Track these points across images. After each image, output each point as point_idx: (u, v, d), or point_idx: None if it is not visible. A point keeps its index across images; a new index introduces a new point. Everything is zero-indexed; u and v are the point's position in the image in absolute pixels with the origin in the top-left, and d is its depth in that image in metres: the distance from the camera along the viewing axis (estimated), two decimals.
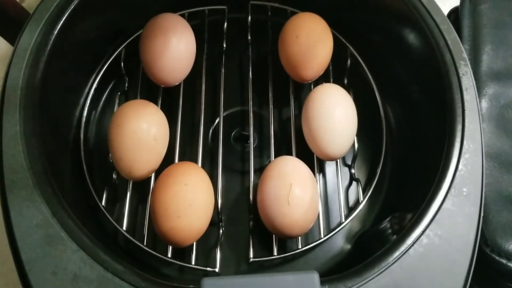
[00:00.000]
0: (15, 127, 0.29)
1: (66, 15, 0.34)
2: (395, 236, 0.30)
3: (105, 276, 0.26)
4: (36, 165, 0.29)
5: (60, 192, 0.29)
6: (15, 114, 0.30)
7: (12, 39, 0.49)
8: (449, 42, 0.34)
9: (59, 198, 0.28)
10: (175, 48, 0.37)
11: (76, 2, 0.34)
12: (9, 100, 0.30)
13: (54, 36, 0.33)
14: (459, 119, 0.31)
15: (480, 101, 0.42)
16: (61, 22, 0.33)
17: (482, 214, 0.29)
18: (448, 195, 0.29)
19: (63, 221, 0.27)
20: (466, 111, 0.32)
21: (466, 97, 0.32)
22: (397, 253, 0.27)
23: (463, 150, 0.30)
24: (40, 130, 0.31)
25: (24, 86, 0.31)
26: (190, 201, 0.32)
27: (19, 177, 0.28)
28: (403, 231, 0.28)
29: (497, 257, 0.35)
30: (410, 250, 0.28)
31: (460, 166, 0.30)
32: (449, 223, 0.28)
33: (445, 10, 0.50)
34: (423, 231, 0.28)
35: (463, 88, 0.32)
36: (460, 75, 0.33)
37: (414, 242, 0.28)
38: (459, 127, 0.31)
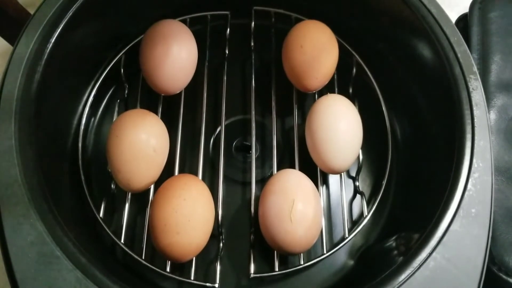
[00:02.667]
0: (10, 140, 0.29)
1: (64, 21, 0.33)
2: (401, 258, 0.29)
3: None
4: (32, 179, 0.28)
5: (56, 206, 0.28)
6: (10, 126, 0.29)
7: (11, 38, 0.48)
8: (459, 55, 0.33)
9: (54, 214, 0.28)
10: (176, 56, 0.37)
11: (74, 8, 0.33)
12: (3, 111, 0.29)
13: (51, 43, 0.32)
14: (469, 136, 0.30)
15: (488, 113, 0.41)
16: (59, 29, 0.33)
17: (490, 236, 0.28)
18: (456, 216, 0.28)
19: (58, 239, 0.27)
20: (475, 128, 0.31)
21: (476, 112, 0.31)
22: (403, 276, 0.27)
23: (472, 169, 0.29)
24: (36, 141, 0.30)
25: (20, 97, 0.30)
26: (189, 216, 0.31)
27: (14, 192, 0.28)
28: (409, 253, 0.28)
29: (504, 276, 0.34)
30: (416, 273, 0.27)
31: (469, 186, 0.29)
32: (457, 245, 0.28)
33: (453, 17, 0.50)
34: (430, 254, 0.27)
35: (473, 103, 0.32)
36: (470, 89, 0.32)
37: (420, 265, 0.27)
38: (468, 144, 0.30)
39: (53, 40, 0.32)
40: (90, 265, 0.26)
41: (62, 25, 0.33)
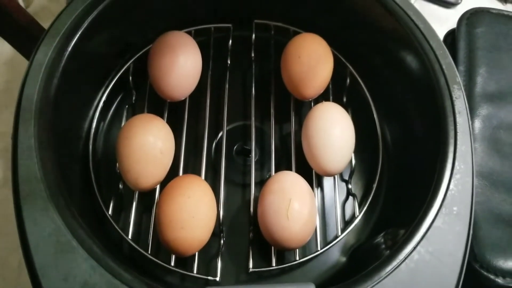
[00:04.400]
0: (30, 140, 0.31)
1: (80, 32, 0.35)
2: (388, 251, 0.31)
3: (114, 283, 0.28)
4: (49, 177, 0.30)
5: (70, 202, 0.31)
6: (30, 127, 0.31)
7: (19, 46, 0.50)
8: (444, 66, 0.35)
9: (70, 208, 0.30)
10: (182, 65, 0.39)
11: (90, 19, 0.36)
12: (24, 114, 0.32)
13: (68, 52, 0.34)
14: (452, 141, 0.33)
15: (473, 122, 0.43)
16: (75, 38, 0.35)
17: (471, 232, 0.31)
18: (439, 213, 0.31)
19: (74, 230, 0.29)
20: (458, 133, 0.33)
21: (458, 119, 0.34)
22: (389, 268, 0.29)
23: (455, 170, 0.32)
24: (52, 142, 0.32)
25: (39, 101, 0.32)
26: (193, 213, 0.33)
27: (34, 188, 0.30)
28: (396, 247, 0.30)
29: (485, 273, 0.37)
30: (402, 265, 0.29)
31: (451, 186, 0.31)
32: (440, 240, 0.30)
33: (443, 31, 0.52)
34: (415, 247, 0.29)
35: (456, 111, 0.34)
36: (454, 98, 0.34)
37: (405, 258, 0.29)
38: (451, 148, 0.33)
39: (69, 49, 0.35)
40: (103, 254, 0.29)
41: (77, 36, 0.35)
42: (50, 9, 0.95)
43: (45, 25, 0.46)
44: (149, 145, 0.36)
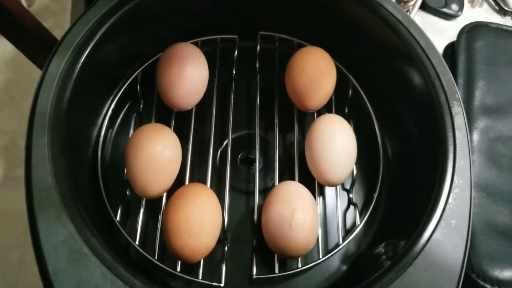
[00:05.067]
0: (43, 149, 0.32)
1: (92, 44, 0.36)
2: (389, 262, 0.32)
3: None
4: (62, 185, 0.31)
5: (82, 210, 0.32)
6: (43, 137, 0.32)
7: (23, 47, 0.51)
8: (444, 83, 0.37)
9: (82, 216, 0.31)
10: (189, 76, 0.40)
11: (102, 31, 0.37)
12: (38, 124, 0.33)
13: (80, 63, 0.35)
14: (451, 155, 0.34)
15: (471, 134, 0.45)
16: (87, 50, 0.36)
17: (468, 244, 0.32)
18: (438, 226, 0.32)
19: (86, 238, 0.30)
20: (457, 149, 0.34)
21: (458, 135, 0.35)
22: (390, 278, 0.30)
23: (453, 185, 0.33)
24: (64, 151, 0.33)
25: (52, 111, 0.33)
26: (200, 221, 0.34)
27: (47, 196, 0.31)
28: (396, 258, 0.31)
29: (482, 283, 0.38)
30: (402, 275, 0.30)
31: (450, 200, 0.33)
32: (438, 252, 0.31)
33: (443, 43, 0.54)
34: (415, 259, 0.31)
35: (456, 126, 0.35)
36: (453, 114, 0.36)
37: (406, 268, 0.30)
38: (450, 163, 0.34)
39: (81, 61, 0.35)
40: (114, 261, 0.30)
41: (89, 48, 0.36)
42: (51, 9, 0.96)
43: (47, 24, 0.47)
44: (157, 154, 0.37)
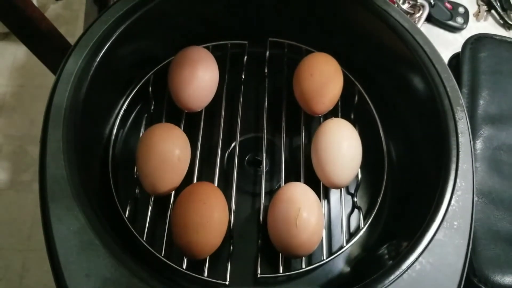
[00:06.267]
0: (58, 143, 0.33)
1: (108, 44, 0.38)
2: (391, 261, 0.33)
3: (132, 281, 0.29)
4: (75, 178, 0.32)
5: (94, 203, 0.32)
6: (59, 131, 0.33)
7: (39, 53, 0.53)
8: (448, 89, 0.38)
9: (94, 208, 0.32)
10: (200, 78, 0.41)
11: (118, 32, 0.38)
12: (54, 118, 0.34)
13: (96, 62, 0.37)
14: (454, 159, 0.35)
15: (475, 142, 0.45)
16: (103, 50, 0.37)
17: (470, 246, 0.32)
18: (441, 227, 0.32)
19: (97, 230, 0.31)
20: (460, 153, 0.35)
21: (461, 140, 0.36)
22: (392, 277, 0.31)
23: (456, 187, 0.34)
24: (78, 146, 0.34)
25: (68, 107, 0.34)
26: (207, 218, 0.35)
27: (60, 188, 0.32)
28: (399, 257, 0.32)
29: (483, 287, 0.38)
30: (404, 275, 0.31)
31: (452, 202, 0.33)
32: (440, 252, 0.32)
33: (448, 55, 0.55)
34: (417, 258, 0.31)
35: (459, 131, 0.36)
36: (457, 119, 0.36)
37: (408, 268, 0.31)
38: (453, 166, 0.35)
39: (97, 59, 0.37)
40: (123, 253, 0.30)
41: (105, 48, 0.37)
42: (64, 17, 0.98)
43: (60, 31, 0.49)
44: (168, 153, 0.38)
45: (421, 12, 0.58)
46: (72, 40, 0.49)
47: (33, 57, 0.53)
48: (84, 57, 0.36)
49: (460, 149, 0.35)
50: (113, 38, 0.38)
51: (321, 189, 0.41)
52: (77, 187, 0.32)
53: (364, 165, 0.41)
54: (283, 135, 0.44)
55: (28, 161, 0.76)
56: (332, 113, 0.45)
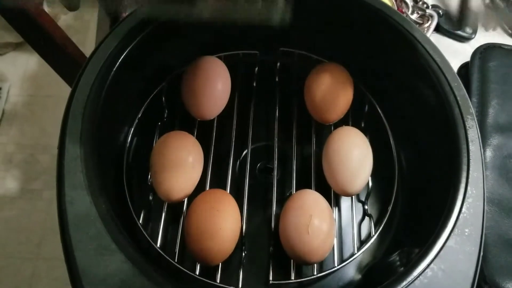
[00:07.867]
0: (77, 150, 0.34)
1: (124, 55, 0.39)
2: (402, 268, 0.33)
3: (148, 285, 0.30)
4: (93, 184, 0.33)
5: (111, 208, 0.33)
6: (77, 139, 0.34)
7: (54, 64, 0.54)
8: (458, 98, 0.38)
9: (111, 213, 0.32)
10: (213, 88, 0.42)
11: (133, 44, 0.39)
12: (72, 126, 0.35)
13: (113, 72, 0.38)
14: (465, 167, 0.35)
15: (485, 151, 0.46)
16: (120, 60, 0.38)
17: (481, 253, 0.33)
18: (452, 234, 0.33)
19: (114, 235, 0.31)
20: (471, 161, 0.35)
21: (471, 148, 0.36)
22: (404, 283, 0.31)
23: (467, 195, 0.34)
24: (95, 154, 0.35)
25: (86, 115, 0.35)
26: (220, 225, 0.36)
27: (78, 193, 0.32)
28: (410, 264, 0.32)
29: None
30: (416, 281, 0.31)
31: (463, 209, 0.34)
32: (452, 259, 0.32)
33: (457, 64, 0.55)
34: (428, 265, 0.31)
35: (469, 139, 0.36)
36: (467, 127, 0.37)
37: (420, 274, 0.31)
38: (464, 174, 0.35)
39: (114, 69, 0.38)
40: (140, 258, 0.31)
41: (121, 58, 0.38)
42: (75, 27, 0.99)
43: None
44: (182, 160, 0.38)
45: (430, 22, 0.59)
46: (83, 49, 0.50)
47: (44, 66, 0.54)
48: (102, 66, 0.37)
49: (470, 157, 0.36)
50: (128, 49, 0.39)
51: (332, 197, 0.42)
52: (95, 192, 0.33)
53: (375, 173, 0.42)
54: (294, 143, 0.44)
55: (38, 169, 0.77)
56: (343, 122, 0.45)
